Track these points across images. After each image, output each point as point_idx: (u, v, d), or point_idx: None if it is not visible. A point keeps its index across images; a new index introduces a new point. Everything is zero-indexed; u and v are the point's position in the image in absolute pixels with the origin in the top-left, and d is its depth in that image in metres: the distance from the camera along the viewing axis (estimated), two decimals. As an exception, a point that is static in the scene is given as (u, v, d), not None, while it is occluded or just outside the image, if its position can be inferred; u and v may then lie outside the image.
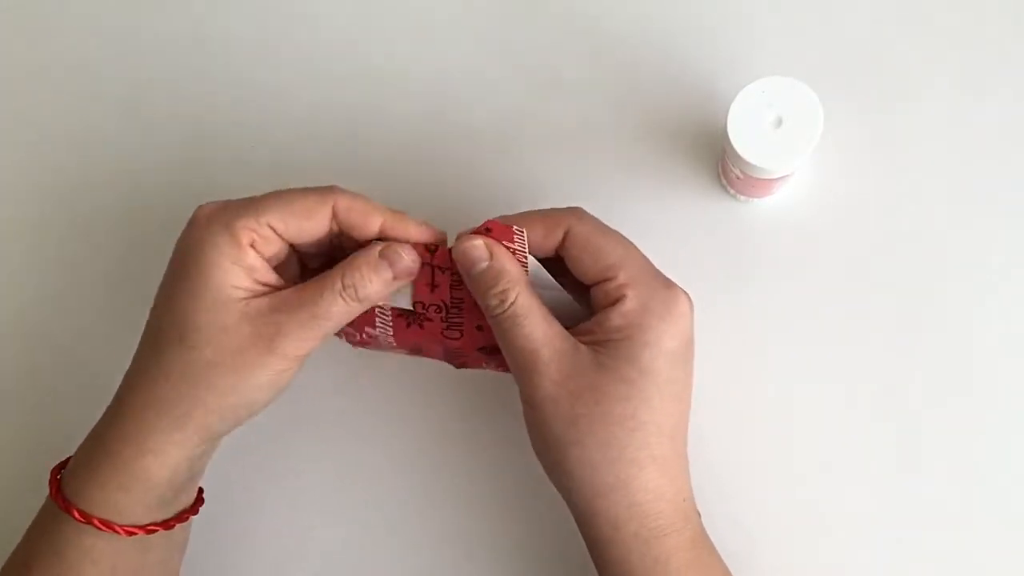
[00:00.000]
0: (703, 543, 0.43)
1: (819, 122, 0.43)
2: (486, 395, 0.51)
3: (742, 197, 0.50)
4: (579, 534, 0.43)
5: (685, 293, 0.42)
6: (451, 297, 0.44)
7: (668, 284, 0.42)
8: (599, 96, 0.52)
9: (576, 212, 0.43)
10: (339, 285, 0.41)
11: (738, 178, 0.47)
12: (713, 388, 0.49)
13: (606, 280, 0.41)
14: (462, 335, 0.45)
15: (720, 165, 0.50)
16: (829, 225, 0.50)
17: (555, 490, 0.43)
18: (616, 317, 0.41)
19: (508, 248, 0.42)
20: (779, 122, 0.43)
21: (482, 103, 0.53)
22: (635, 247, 0.43)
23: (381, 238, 0.43)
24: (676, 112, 0.51)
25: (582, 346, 0.41)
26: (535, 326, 0.41)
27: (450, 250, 0.43)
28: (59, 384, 0.53)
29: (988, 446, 0.48)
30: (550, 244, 0.42)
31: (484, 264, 0.42)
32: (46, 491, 0.43)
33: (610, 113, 0.52)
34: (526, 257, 0.43)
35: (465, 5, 0.54)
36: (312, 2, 0.55)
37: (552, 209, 0.43)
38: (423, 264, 0.43)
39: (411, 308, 0.44)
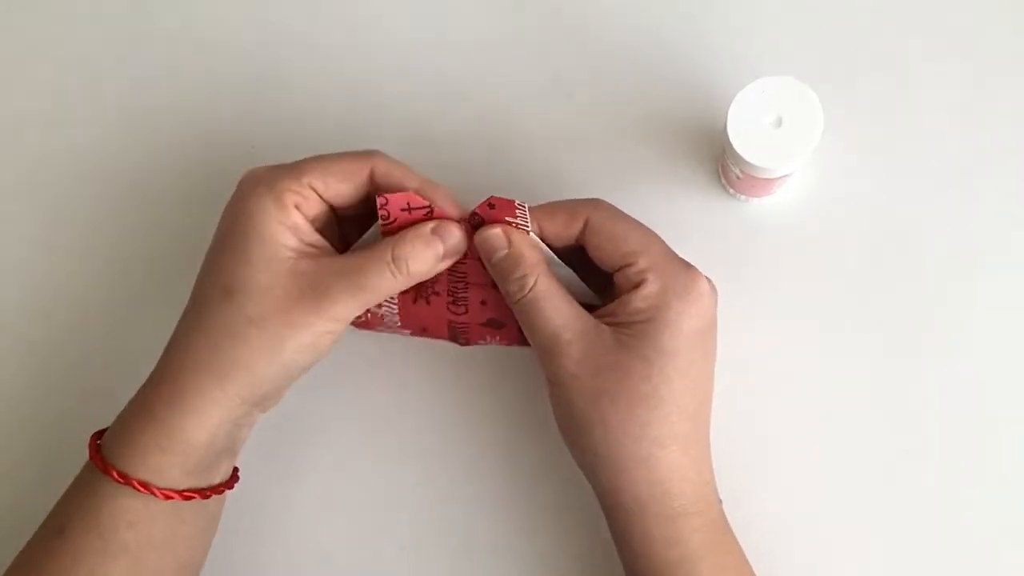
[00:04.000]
0: (724, 529, 0.43)
1: (819, 122, 0.43)
2: (498, 391, 0.51)
3: (742, 197, 0.50)
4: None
5: (705, 276, 0.42)
6: (455, 271, 0.45)
7: (688, 267, 0.42)
8: (599, 96, 0.52)
9: (594, 202, 0.44)
10: (389, 256, 0.42)
11: (738, 178, 0.47)
12: (712, 387, 0.49)
13: (627, 266, 0.42)
14: (467, 310, 0.46)
15: (720, 165, 0.50)
16: (829, 224, 0.50)
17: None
18: (638, 300, 0.41)
19: (510, 222, 0.43)
20: (779, 122, 0.43)
21: (482, 103, 0.53)
22: (654, 233, 0.43)
23: None
24: (676, 112, 0.51)
25: (604, 326, 0.42)
26: (556, 308, 0.42)
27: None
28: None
29: (988, 443, 0.48)
30: (571, 233, 0.43)
31: (503, 252, 0.43)
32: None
33: (610, 113, 0.52)
34: (528, 230, 0.43)
35: (465, 5, 0.54)
36: (313, 1, 0.55)
37: (572, 199, 0.44)
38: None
39: None
